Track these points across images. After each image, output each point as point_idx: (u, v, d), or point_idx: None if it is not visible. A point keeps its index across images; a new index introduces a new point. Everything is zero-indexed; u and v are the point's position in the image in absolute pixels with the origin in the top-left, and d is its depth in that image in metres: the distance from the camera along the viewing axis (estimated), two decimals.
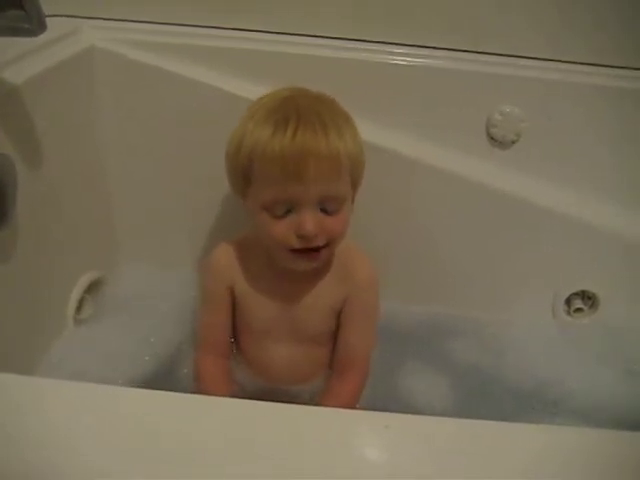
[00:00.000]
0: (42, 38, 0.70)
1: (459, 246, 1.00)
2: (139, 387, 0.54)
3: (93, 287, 0.98)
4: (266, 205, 0.72)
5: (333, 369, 0.86)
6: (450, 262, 1.01)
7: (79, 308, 0.94)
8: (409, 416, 0.45)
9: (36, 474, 0.40)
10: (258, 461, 0.41)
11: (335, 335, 0.85)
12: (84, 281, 0.95)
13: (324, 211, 0.72)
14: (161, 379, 0.87)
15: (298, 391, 0.86)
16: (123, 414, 0.43)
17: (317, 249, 0.73)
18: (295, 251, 0.73)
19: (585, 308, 1.02)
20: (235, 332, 0.87)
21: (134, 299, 1.01)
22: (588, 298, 1.02)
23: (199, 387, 0.83)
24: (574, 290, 1.01)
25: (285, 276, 0.80)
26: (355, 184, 0.76)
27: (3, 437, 0.41)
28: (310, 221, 0.70)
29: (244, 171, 0.73)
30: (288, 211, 0.71)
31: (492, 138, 0.94)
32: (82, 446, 0.41)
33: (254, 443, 0.42)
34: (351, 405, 0.81)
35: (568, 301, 1.03)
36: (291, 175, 0.69)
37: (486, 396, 0.89)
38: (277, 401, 0.44)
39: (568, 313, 1.03)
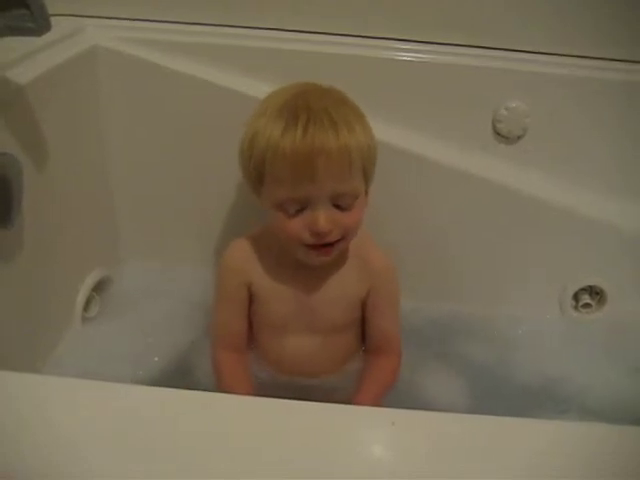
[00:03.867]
0: (46, 37, 0.70)
1: (465, 243, 0.99)
2: (145, 385, 0.54)
3: (100, 285, 0.99)
4: (279, 204, 0.72)
5: (368, 354, 0.88)
6: (457, 259, 1.01)
7: (86, 306, 0.95)
8: (415, 412, 0.45)
9: (36, 474, 0.40)
10: (262, 458, 0.41)
11: (353, 326, 0.86)
12: (91, 279, 0.96)
13: (337, 207, 0.72)
14: (169, 377, 0.87)
15: (316, 384, 0.86)
16: (124, 412, 0.43)
17: (331, 243, 0.74)
18: (309, 246, 0.73)
19: (593, 303, 1.01)
20: (251, 327, 0.87)
21: (141, 297, 1.01)
22: (596, 293, 1.01)
23: (220, 385, 0.82)
24: (582, 285, 1.01)
25: (302, 269, 0.80)
26: (368, 178, 0.76)
27: (3, 437, 0.41)
28: (323, 218, 0.71)
29: (257, 170, 0.74)
30: (302, 208, 0.72)
31: (498, 133, 0.93)
32: (82, 446, 0.41)
33: (258, 440, 0.42)
34: (391, 384, 0.83)
35: (576, 296, 1.02)
36: (302, 174, 0.69)
37: (494, 392, 0.89)
38: (295, 394, 0.44)
39: (576, 308, 1.02)
